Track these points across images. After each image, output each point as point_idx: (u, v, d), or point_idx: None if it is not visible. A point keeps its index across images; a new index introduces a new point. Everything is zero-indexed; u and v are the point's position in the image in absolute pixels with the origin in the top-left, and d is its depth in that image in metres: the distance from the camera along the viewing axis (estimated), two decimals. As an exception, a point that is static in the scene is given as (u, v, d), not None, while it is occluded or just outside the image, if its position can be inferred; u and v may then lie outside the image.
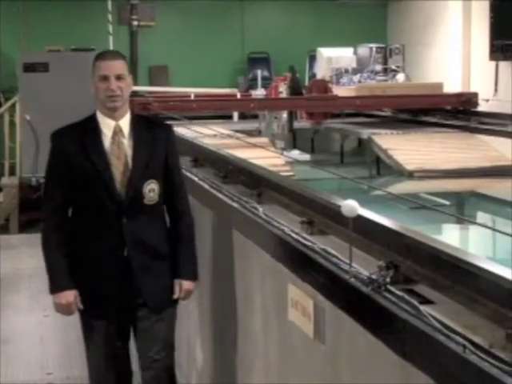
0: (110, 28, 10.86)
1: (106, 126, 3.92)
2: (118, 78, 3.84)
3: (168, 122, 4.54)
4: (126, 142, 3.92)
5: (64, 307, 3.97)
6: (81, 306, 3.98)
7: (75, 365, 6.15)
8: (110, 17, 10.95)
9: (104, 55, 3.94)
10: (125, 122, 3.94)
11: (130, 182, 3.88)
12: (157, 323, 4.04)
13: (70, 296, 3.94)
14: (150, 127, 4.04)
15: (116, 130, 3.91)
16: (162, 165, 3.99)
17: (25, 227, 11.35)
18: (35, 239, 10.72)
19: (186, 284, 4.11)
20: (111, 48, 10.62)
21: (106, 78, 3.83)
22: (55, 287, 3.98)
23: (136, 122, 3.99)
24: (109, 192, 3.86)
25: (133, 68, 13.33)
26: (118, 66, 3.86)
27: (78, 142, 3.91)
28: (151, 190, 3.92)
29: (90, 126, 3.95)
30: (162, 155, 3.99)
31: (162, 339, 4.08)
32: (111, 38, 10.77)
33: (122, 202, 3.88)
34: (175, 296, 4.08)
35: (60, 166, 3.91)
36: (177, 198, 4.11)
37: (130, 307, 4.01)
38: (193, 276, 4.17)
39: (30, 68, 10.42)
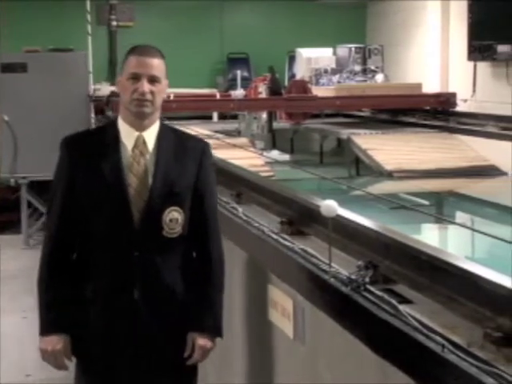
0: (89, 28, 10.80)
1: (128, 136, 3.16)
2: (152, 79, 3.10)
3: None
4: (149, 158, 3.14)
5: (50, 355, 3.18)
6: (70, 359, 3.22)
7: (54, 366, 6.11)
8: (88, 17, 10.89)
9: (139, 49, 3.17)
10: (151, 134, 3.17)
11: (148, 206, 3.09)
12: None
13: (58, 343, 3.15)
14: (182, 142, 3.25)
15: (138, 143, 3.14)
16: (190, 189, 3.18)
17: (3, 228, 11.28)
18: (15, 241, 10.71)
19: (202, 340, 3.20)
20: (89, 48, 10.57)
21: (136, 78, 3.09)
22: (42, 329, 3.20)
23: (165, 134, 3.22)
24: (120, 217, 3.10)
25: (111, 68, 13.29)
26: (155, 66, 3.12)
27: (91, 152, 3.16)
28: (173, 219, 3.12)
29: (108, 135, 3.20)
30: (192, 177, 3.18)
31: None
32: (90, 39, 10.72)
33: (135, 231, 3.09)
34: (186, 353, 3.19)
35: (67, 182, 3.16)
36: (206, 234, 3.25)
37: (138, 363, 3.17)
38: (213, 331, 3.25)
39: (8, 68, 10.35)
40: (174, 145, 3.21)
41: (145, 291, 3.11)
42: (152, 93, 3.10)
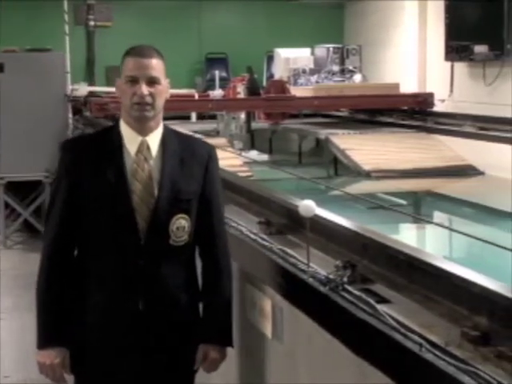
0: (67, 28, 10.75)
1: (131, 141, 3.03)
2: (151, 81, 2.97)
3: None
4: (153, 164, 3.02)
5: (48, 368, 3.07)
6: (68, 372, 3.10)
7: (32, 368, 6.02)
8: (66, 17, 10.84)
9: (135, 50, 3.05)
10: (154, 139, 3.04)
11: (154, 214, 2.97)
12: None
13: (56, 356, 3.05)
14: (187, 146, 3.12)
15: (141, 148, 3.02)
16: (196, 196, 3.06)
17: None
18: (-7, 241, 10.61)
19: (214, 353, 3.11)
20: (67, 48, 10.51)
21: (134, 81, 2.97)
22: (40, 342, 3.09)
23: (169, 138, 3.08)
24: (124, 225, 2.98)
25: (89, 68, 13.25)
26: (152, 66, 3.00)
27: (92, 157, 3.03)
28: (180, 227, 3.00)
29: (110, 139, 3.07)
30: (199, 183, 3.07)
31: None
32: (67, 39, 10.67)
33: (141, 239, 2.97)
34: (196, 366, 3.12)
35: (66, 188, 3.03)
36: (213, 241, 3.13)
37: (140, 372, 3.05)
38: (223, 342, 3.16)
39: (-15, 69, 10.30)
40: (179, 149, 3.08)
41: (149, 300, 2.99)
42: (152, 95, 2.97)
